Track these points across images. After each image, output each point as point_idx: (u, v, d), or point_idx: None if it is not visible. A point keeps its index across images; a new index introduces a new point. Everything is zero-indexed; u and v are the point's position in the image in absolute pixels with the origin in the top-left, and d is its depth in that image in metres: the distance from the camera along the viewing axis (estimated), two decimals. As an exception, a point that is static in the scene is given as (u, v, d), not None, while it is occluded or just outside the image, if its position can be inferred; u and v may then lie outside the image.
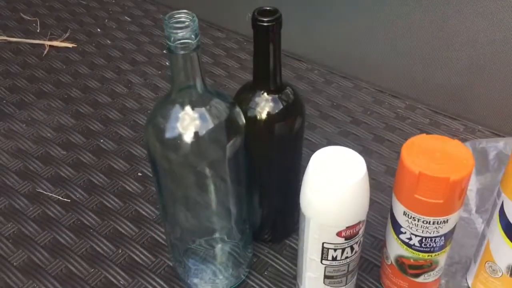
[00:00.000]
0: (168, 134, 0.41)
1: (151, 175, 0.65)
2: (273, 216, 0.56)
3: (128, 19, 0.95)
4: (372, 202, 0.62)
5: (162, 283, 0.54)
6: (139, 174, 0.66)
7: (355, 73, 0.82)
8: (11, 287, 0.53)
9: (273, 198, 0.54)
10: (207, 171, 0.44)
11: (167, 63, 0.84)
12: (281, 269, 0.55)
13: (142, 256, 0.56)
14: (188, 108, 0.41)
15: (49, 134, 0.72)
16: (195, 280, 0.53)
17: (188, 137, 0.41)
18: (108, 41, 0.89)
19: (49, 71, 0.83)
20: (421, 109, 0.75)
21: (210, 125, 0.42)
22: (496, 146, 0.60)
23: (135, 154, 0.68)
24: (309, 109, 0.76)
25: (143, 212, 0.61)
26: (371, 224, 0.59)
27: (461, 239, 0.55)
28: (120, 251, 0.57)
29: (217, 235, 0.52)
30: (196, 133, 0.41)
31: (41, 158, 0.68)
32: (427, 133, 0.64)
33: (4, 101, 0.77)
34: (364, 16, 0.79)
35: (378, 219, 0.59)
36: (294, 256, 0.56)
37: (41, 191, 0.64)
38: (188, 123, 0.41)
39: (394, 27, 0.77)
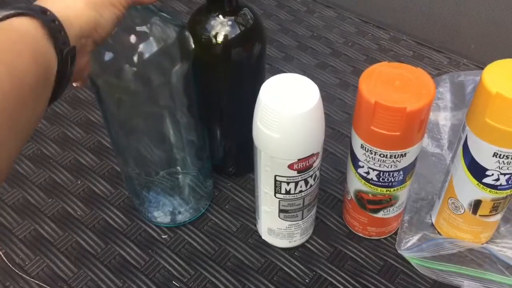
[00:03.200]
0: (107, 58, 0.38)
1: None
2: (235, 148, 0.54)
3: None
4: (344, 137, 0.59)
5: (120, 215, 0.53)
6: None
7: (339, 2, 0.77)
8: (6, 227, 0.52)
9: (234, 130, 0.52)
10: (152, 98, 0.42)
11: None
12: (242, 202, 0.54)
13: (101, 187, 0.55)
14: (129, 27, 0.38)
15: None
16: (155, 213, 0.52)
17: (127, 60, 0.38)
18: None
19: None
20: (405, 40, 0.71)
21: (153, 47, 0.39)
22: (475, 79, 0.57)
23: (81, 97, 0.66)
24: (287, 39, 0.72)
25: (105, 143, 0.59)
26: (338, 158, 0.57)
27: (430, 176, 0.53)
28: (79, 182, 0.56)
29: (173, 167, 0.50)
30: (138, 55, 0.38)
31: None
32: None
33: None
34: None
35: (345, 154, 0.57)
36: (257, 190, 0.54)
37: None
38: (128, 45, 0.38)
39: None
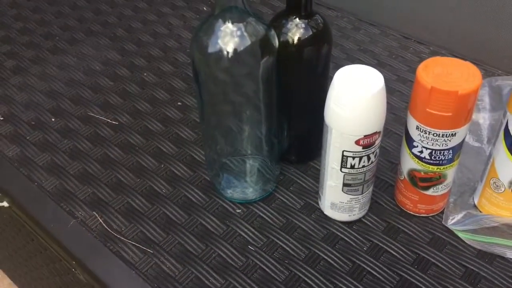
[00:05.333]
0: (210, 48, 0.48)
1: (189, 105, 0.72)
2: (300, 138, 0.62)
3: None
4: (392, 133, 0.67)
5: (199, 192, 0.61)
6: (179, 103, 0.73)
7: (382, 21, 0.86)
8: (69, 192, 0.61)
9: (300, 120, 0.60)
10: (242, 85, 0.50)
11: (204, 8, 0.90)
12: (305, 185, 0.61)
13: (181, 171, 0.64)
14: (228, 24, 0.47)
15: (97, 67, 0.79)
16: (229, 191, 0.60)
17: (227, 50, 0.47)
18: (150, -12, 0.95)
19: (97, 13, 0.90)
20: (444, 54, 0.79)
21: (247, 41, 0.48)
22: (510, 83, 0.64)
23: (175, 86, 0.75)
24: (336, 52, 0.81)
25: (183, 135, 0.68)
26: (389, 151, 0.65)
27: (472, 166, 0.60)
28: (162, 166, 0.64)
29: (248, 150, 0.58)
30: (234, 47, 0.47)
31: (91, 87, 0.75)
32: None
33: (57, 38, 0.85)
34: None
35: (395, 147, 0.65)
36: (317, 176, 0.62)
37: (92, 114, 0.71)
38: (228, 39, 0.47)
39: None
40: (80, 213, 0.59)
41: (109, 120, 0.70)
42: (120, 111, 0.72)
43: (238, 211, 0.59)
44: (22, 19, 0.89)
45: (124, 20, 0.88)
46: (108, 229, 0.57)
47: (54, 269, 0.70)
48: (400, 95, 0.72)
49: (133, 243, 0.56)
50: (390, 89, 0.73)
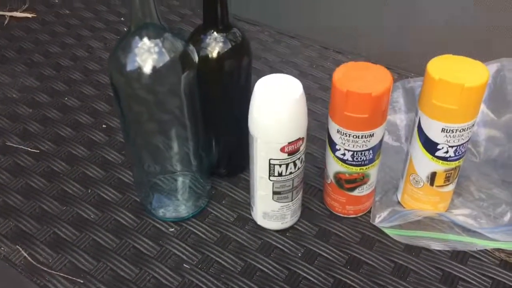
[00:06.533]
0: (128, 66, 0.47)
1: (114, 127, 0.70)
2: (228, 150, 0.63)
3: (86, -10, 0.98)
4: (317, 139, 0.69)
5: (130, 215, 0.60)
6: (104, 126, 0.71)
7: (302, 33, 0.89)
8: (27, 233, 0.58)
9: (227, 133, 0.60)
10: (164, 101, 0.50)
11: (125, 29, 0.89)
12: (237, 198, 0.62)
13: (110, 194, 0.62)
14: (145, 41, 0.47)
15: (14, 95, 0.76)
16: (161, 211, 0.59)
17: (146, 68, 0.47)
18: (67, 11, 0.93)
19: (10, 39, 0.86)
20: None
21: (166, 57, 0.47)
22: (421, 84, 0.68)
23: (98, 109, 0.73)
24: (260, 65, 0.82)
25: (109, 158, 0.66)
26: (316, 157, 0.66)
27: (393, 164, 0.63)
28: (89, 191, 0.62)
29: (176, 168, 0.58)
30: (153, 64, 0.47)
31: (8, 116, 0.72)
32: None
33: (-32, 67, 0.80)
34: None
35: (321, 153, 0.67)
36: (248, 188, 0.62)
37: (11, 144, 0.68)
38: (146, 56, 0.47)
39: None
40: (2, 248, 0.56)
41: (29, 149, 0.67)
42: (41, 138, 0.69)
43: (171, 230, 0.58)
44: None
45: (41, 45, 0.85)
46: (34, 263, 0.54)
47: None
48: (322, 102, 0.75)
49: (62, 274, 0.53)
50: (313, 98, 0.76)
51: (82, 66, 0.81)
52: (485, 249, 0.55)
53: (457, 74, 0.48)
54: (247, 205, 0.61)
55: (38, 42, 0.86)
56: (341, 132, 0.51)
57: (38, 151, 0.67)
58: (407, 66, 0.82)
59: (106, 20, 0.91)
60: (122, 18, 0.91)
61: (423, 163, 0.54)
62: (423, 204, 0.57)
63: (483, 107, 0.66)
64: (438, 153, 0.52)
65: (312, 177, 0.64)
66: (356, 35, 0.87)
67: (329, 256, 0.55)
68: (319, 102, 0.75)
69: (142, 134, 0.53)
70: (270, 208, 0.55)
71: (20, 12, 0.91)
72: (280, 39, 0.88)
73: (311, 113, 0.73)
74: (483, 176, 0.61)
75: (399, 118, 0.69)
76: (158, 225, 0.58)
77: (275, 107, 0.47)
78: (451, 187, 0.56)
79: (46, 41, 0.86)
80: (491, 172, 0.62)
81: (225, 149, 0.62)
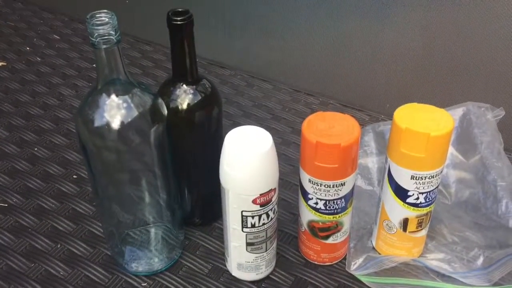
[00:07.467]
0: (96, 123, 0.47)
1: (85, 177, 0.69)
2: (201, 200, 0.62)
3: (57, 37, 0.98)
4: (291, 185, 0.69)
5: (101, 270, 0.58)
6: (74, 176, 0.70)
7: (274, 76, 0.90)
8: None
9: (199, 183, 0.60)
10: (134, 155, 0.49)
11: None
12: (211, 248, 0.61)
13: (80, 249, 0.60)
14: (113, 97, 0.46)
15: (-18, 146, 0.74)
16: (133, 265, 0.57)
17: (114, 124, 0.46)
18: (38, 58, 0.93)
19: (-21, 88, 0.85)
20: (332, 104, 0.84)
21: (135, 112, 0.47)
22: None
23: (69, 159, 0.72)
24: (233, 109, 0.83)
25: (80, 210, 0.65)
26: (290, 203, 0.66)
27: (366, 208, 0.63)
28: (59, 246, 0.60)
29: (150, 219, 0.57)
30: (122, 120, 0.47)
31: (-25, 169, 0.70)
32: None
33: None
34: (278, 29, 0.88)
35: (295, 198, 0.67)
36: (222, 237, 0.62)
37: (-22, 198, 0.66)
38: (114, 112, 0.46)
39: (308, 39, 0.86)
40: (-35, 311, 0.53)
41: (-4, 203, 0.66)
42: (9, 191, 0.67)
43: (143, 284, 0.57)
44: None
45: (11, 94, 0.84)
46: (-1, 325, 0.52)
47: None
48: (296, 147, 0.75)
49: (29, 336, 0.51)
50: (286, 142, 0.76)
51: (52, 114, 0.80)
52: (461, 294, 0.55)
53: (423, 123, 0.48)
54: (222, 255, 0.60)
55: (8, 91, 0.85)
56: (312, 182, 0.51)
57: (6, 205, 0.65)
58: (377, 108, 0.84)
59: (77, 67, 0.91)
60: (94, 65, 0.91)
61: (395, 210, 0.54)
62: (397, 250, 0.57)
63: (452, 149, 0.67)
64: (409, 200, 0.53)
65: (287, 223, 0.63)
66: (326, 77, 0.89)
67: (305, 307, 0.54)
68: (292, 146, 0.75)
69: (113, 186, 0.52)
70: (244, 259, 0.54)
71: (-10, 60, 0.91)
72: (253, 82, 0.89)
73: (284, 158, 0.73)
74: (455, 219, 0.62)
75: (371, 161, 0.69)
76: (130, 280, 0.57)
77: (246, 160, 0.47)
78: (424, 232, 0.56)
79: (16, 90, 0.85)
80: (463, 214, 0.62)
81: (198, 199, 0.62)
